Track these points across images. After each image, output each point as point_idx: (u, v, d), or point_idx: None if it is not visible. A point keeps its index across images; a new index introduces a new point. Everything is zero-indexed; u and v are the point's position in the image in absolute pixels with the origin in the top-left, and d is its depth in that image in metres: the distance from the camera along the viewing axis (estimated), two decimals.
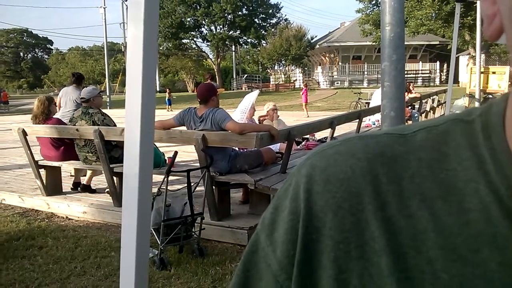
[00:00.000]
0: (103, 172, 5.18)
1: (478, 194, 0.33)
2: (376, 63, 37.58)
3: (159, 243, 3.72)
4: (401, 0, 2.18)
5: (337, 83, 39.69)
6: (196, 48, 49.33)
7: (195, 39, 47.51)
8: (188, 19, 44.15)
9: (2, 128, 15.40)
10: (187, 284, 3.43)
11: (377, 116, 9.18)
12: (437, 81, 38.04)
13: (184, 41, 47.05)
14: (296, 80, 44.14)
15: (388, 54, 2.24)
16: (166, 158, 5.26)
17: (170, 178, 4.03)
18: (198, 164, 4.45)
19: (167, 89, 26.75)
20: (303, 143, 6.63)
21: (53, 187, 5.78)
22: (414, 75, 36.93)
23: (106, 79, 31.15)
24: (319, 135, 7.03)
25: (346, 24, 45.91)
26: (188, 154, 6.88)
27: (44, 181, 5.68)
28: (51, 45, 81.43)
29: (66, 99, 6.89)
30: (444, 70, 37.71)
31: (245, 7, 43.53)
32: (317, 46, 42.29)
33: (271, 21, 45.92)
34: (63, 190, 5.88)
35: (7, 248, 4.27)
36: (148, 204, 1.48)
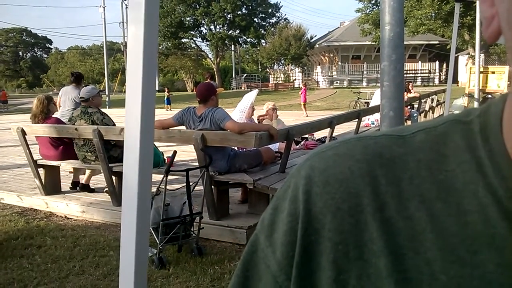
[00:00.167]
0: (102, 171, 5.18)
1: (476, 195, 0.34)
2: (375, 63, 37.60)
3: (158, 242, 3.72)
4: (401, 0, 2.18)
5: (336, 82, 39.70)
6: (195, 48, 49.33)
7: (194, 38, 47.54)
8: (188, 18, 44.16)
9: (1, 127, 15.39)
10: (185, 283, 3.43)
11: (376, 115, 9.19)
12: (436, 81, 38.05)
13: (183, 40, 47.05)
14: (295, 79, 44.15)
15: (388, 53, 2.24)
16: (165, 157, 5.26)
17: (169, 177, 4.03)
18: (197, 164, 4.45)
19: (166, 88, 26.74)
20: (302, 142, 6.63)
21: (51, 186, 5.77)
22: (413, 75, 36.95)
23: (105, 79, 31.13)
24: (318, 134, 7.02)
25: (345, 23, 45.91)
26: (187, 153, 6.88)
27: (43, 181, 5.68)
28: (50, 44, 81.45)
29: (65, 98, 6.89)
30: (443, 70, 37.75)
31: (245, 6, 43.52)
32: (317, 45, 42.30)
33: (270, 20, 45.94)
34: (62, 190, 5.88)
35: (6, 247, 4.26)
36: (147, 203, 1.48)
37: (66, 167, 5.93)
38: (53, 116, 5.79)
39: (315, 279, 0.36)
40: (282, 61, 44.72)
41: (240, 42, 46.84)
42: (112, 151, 5.15)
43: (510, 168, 0.33)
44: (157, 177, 4.29)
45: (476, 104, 10.29)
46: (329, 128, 5.64)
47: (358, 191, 0.36)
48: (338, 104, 24.07)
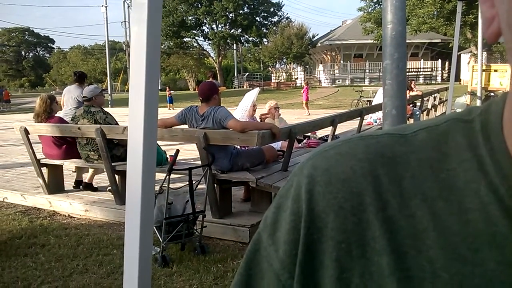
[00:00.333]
0: (104, 170, 5.20)
1: (478, 194, 0.34)
2: (377, 61, 37.52)
3: (161, 240, 3.73)
4: None
5: (339, 81, 39.65)
6: (197, 47, 49.32)
7: (196, 37, 47.52)
8: (190, 17, 44.13)
9: (4, 126, 15.43)
10: (189, 282, 3.44)
11: (379, 114, 9.18)
12: (439, 79, 37.96)
13: (185, 39, 47.03)
14: (297, 78, 44.11)
15: (390, 52, 2.24)
16: (167, 156, 5.27)
17: (172, 176, 4.04)
18: (199, 162, 4.46)
19: (167, 87, 26.77)
20: (305, 141, 6.64)
21: (55, 185, 5.79)
22: (415, 73, 36.86)
23: (108, 78, 31.18)
24: (320, 133, 7.02)
25: (347, 22, 45.81)
26: (189, 152, 6.89)
27: (46, 180, 5.70)
28: (53, 44, 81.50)
29: (68, 98, 6.91)
30: (446, 68, 37.64)
31: (247, 5, 43.47)
32: (319, 44, 42.24)
33: (272, 19, 45.87)
34: (65, 189, 5.90)
35: (10, 246, 4.28)
36: (151, 202, 1.49)
37: (69, 166, 5.95)
38: (56, 115, 5.80)
39: (318, 277, 0.37)
40: (284, 60, 44.71)
41: (242, 41, 46.80)
42: (115, 150, 5.16)
43: (510, 165, 0.33)
44: (160, 176, 4.31)
45: (478, 102, 10.27)
46: (331, 127, 5.64)
47: (360, 190, 0.36)
48: (340, 102, 24.04)
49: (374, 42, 34.03)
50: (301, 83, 37.78)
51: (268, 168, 4.71)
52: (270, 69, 50.89)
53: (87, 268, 3.76)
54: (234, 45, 48.04)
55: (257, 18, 44.83)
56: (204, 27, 46.55)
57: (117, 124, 5.37)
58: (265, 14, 45.34)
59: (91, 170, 5.75)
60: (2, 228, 4.87)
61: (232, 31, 44.60)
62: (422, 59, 39.35)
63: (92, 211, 5.25)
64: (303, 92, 19.19)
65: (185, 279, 3.49)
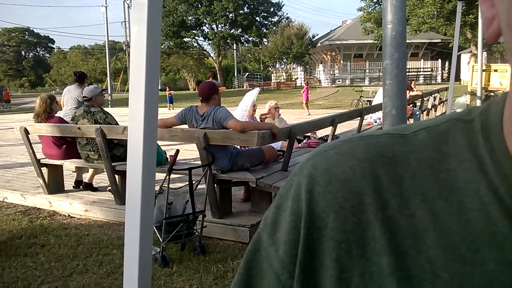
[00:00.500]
0: (104, 170, 5.20)
1: (478, 194, 0.34)
2: (377, 61, 37.53)
3: (161, 240, 3.73)
4: None
5: (339, 81, 39.65)
6: (197, 47, 49.33)
7: (196, 37, 47.53)
8: (190, 17, 44.14)
9: (4, 126, 15.43)
10: (189, 282, 3.44)
11: (379, 114, 9.19)
12: (439, 79, 37.96)
13: (185, 39, 47.04)
14: (297, 78, 44.12)
15: (390, 52, 2.24)
16: (167, 156, 5.27)
17: (172, 176, 4.04)
18: (199, 162, 4.46)
19: (167, 87, 26.78)
20: (305, 141, 6.64)
21: (55, 185, 5.79)
22: (415, 73, 36.87)
23: (108, 78, 31.19)
24: (320, 133, 7.02)
25: (347, 22, 45.82)
26: (189, 152, 6.89)
27: (46, 180, 5.70)
28: (53, 44, 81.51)
29: (68, 98, 6.91)
30: (446, 68, 37.65)
31: (247, 5, 43.49)
32: (319, 44, 42.25)
33: (272, 19, 45.88)
34: (65, 189, 5.90)
35: (10, 246, 4.28)
36: (151, 202, 1.49)
37: (69, 166, 5.95)
38: (56, 115, 5.81)
39: (318, 277, 0.37)
40: (284, 60, 44.71)
41: (242, 41, 46.80)
42: (115, 150, 5.16)
43: (510, 165, 0.33)
44: (160, 176, 4.31)
45: (478, 102, 10.27)
46: (331, 127, 5.64)
47: (360, 191, 0.36)
48: (340, 102, 24.05)
49: (374, 42, 34.04)
50: (301, 83, 37.78)
51: (268, 168, 4.71)
52: (270, 69, 50.90)
53: (87, 268, 3.76)
54: (234, 45, 48.05)
55: (257, 18, 44.85)
56: (204, 27, 46.59)
57: (117, 124, 5.37)
58: (265, 14, 45.35)
59: (91, 170, 5.75)
60: (2, 228, 4.87)
61: (232, 31, 44.61)
62: (422, 59, 39.35)
63: (92, 211, 5.25)
64: (303, 92, 19.19)
65: (185, 279, 3.49)
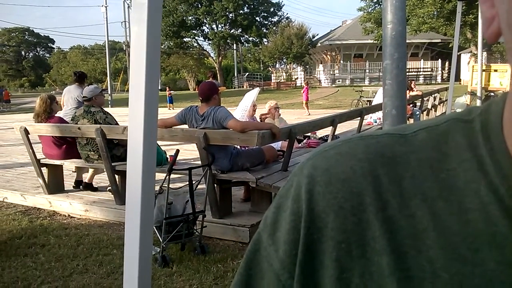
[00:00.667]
0: (104, 170, 5.20)
1: (478, 194, 0.34)
2: (377, 61, 37.53)
3: (161, 240, 3.73)
4: None
5: (339, 81, 39.65)
6: (197, 47, 49.33)
7: (196, 37, 47.52)
8: (190, 17, 44.13)
9: (4, 126, 15.43)
10: (188, 282, 3.44)
11: (379, 114, 9.19)
12: (439, 79, 37.97)
13: (185, 39, 47.04)
14: (297, 78, 44.12)
15: (390, 52, 2.24)
16: (167, 156, 5.27)
17: (172, 176, 4.04)
18: (199, 163, 4.46)
19: (167, 87, 26.79)
20: (305, 141, 6.64)
21: (55, 185, 5.80)
22: (415, 73, 36.87)
23: (108, 78, 31.19)
24: (320, 133, 7.02)
25: (347, 22, 45.82)
26: (189, 152, 6.89)
27: (46, 180, 5.70)
28: (53, 44, 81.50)
29: (68, 98, 6.92)
30: (446, 68, 37.64)
31: (247, 5, 43.48)
32: (319, 44, 42.24)
33: (272, 19, 45.88)
34: (65, 189, 5.90)
35: (10, 246, 4.28)
36: (151, 202, 1.49)
37: (69, 166, 5.95)
38: (56, 115, 5.81)
39: (318, 277, 0.37)
40: (284, 60, 44.70)
41: (242, 41, 46.80)
42: (115, 150, 5.16)
43: (510, 166, 0.33)
44: (160, 176, 4.31)
45: (478, 102, 10.27)
46: (331, 127, 5.64)
47: (360, 191, 0.36)
48: (340, 102, 24.04)
49: (374, 42, 34.04)
50: (301, 83, 37.78)
51: (268, 168, 4.71)
52: (270, 69, 50.90)
53: (87, 268, 3.76)
54: (234, 45, 48.05)
55: (257, 18, 44.84)
56: (204, 27, 46.58)
57: (117, 124, 5.37)
58: (265, 14, 45.35)
59: (91, 170, 5.75)
60: (2, 228, 4.87)
61: (232, 31, 44.61)
62: (422, 59, 39.35)
63: (92, 211, 5.25)
64: (303, 92, 19.19)
65: (185, 279, 3.49)
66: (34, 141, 5.74)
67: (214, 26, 45.11)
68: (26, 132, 5.57)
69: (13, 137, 10.14)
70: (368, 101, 16.94)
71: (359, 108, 11.67)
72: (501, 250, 0.32)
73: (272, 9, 45.35)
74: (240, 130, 4.11)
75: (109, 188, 5.40)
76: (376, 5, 33.34)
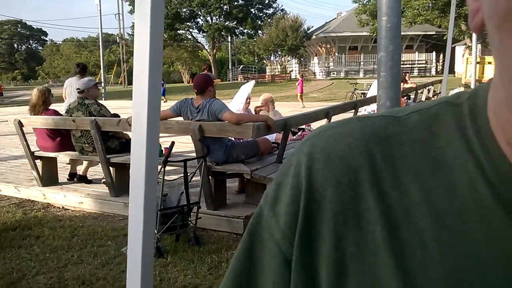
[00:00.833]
0: (99, 162, 5.19)
1: (466, 170, 0.36)
2: (372, 54, 37.55)
3: (155, 232, 3.74)
4: None
5: (333, 73, 39.65)
6: (191, 39, 49.13)
7: (190, 30, 47.34)
8: (184, 9, 43.92)
9: None
10: (183, 272, 3.46)
11: (373, 106, 9.21)
12: (433, 72, 38.03)
13: (179, 32, 46.83)
14: (292, 70, 44.04)
15: (385, 44, 2.25)
16: (162, 148, 5.26)
17: (167, 168, 4.04)
18: (194, 155, 4.46)
19: (162, 80, 26.72)
20: (299, 133, 6.66)
21: (49, 177, 5.78)
22: (410, 66, 36.92)
23: (101, 70, 30.99)
24: (315, 125, 7.03)
25: (342, 14, 45.74)
26: (184, 145, 6.89)
27: (40, 172, 5.69)
28: (46, 37, 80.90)
29: (70, 90, 6.92)
30: (440, 61, 37.71)
31: None
32: (314, 36, 42.18)
33: (267, 11, 45.78)
34: (59, 181, 5.89)
35: (4, 238, 4.28)
36: (153, 192, 1.51)
37: (63, 158, 5.94)
38: (51, 108, 5.79)
39: (316, 246, 0.39)
40: (279, 52, 44.60)
41: (237, 33, 46.68)
42: (109, 142, 5.16)
43: (495, 145, 0.36)
44: None
45: None
46: (325, 119, 5.66)
47: (356, 167, 0.39)
48: (334, 95, 24.06)
49: (369, 34, 34.04)
50: (295, 75, 37.72)
51: (262, 160, 4.73)
52: (264, 61, 50.78)
53: (82, 259, 3.77)
54: (229, 37, 47.89)
55: (252, 10, 44.71)
56: (198, 19, 46.40)
57: (111, 116, 5.36)
58: (260, 6, 45.21)
59: (85, 163, 5.74)
60: None
61: (226, 23, 44.45)
62: (416, 52, 39.39)
63: (87, 203, 5.25)
64: (298, 84, 19.20)
65: (179, 270, 3.51)
66: (28, 134, 5.72)
67: (208, 18, 44.93)
68: (20, 124, 5.54)
69: (7, 129, 10.08)
70: (362, 93, 16.95)
71: (354, 101, 11.71)
72: (486, 221, 0.34)
73: (267, 1, 45.23)
74: (235, 122, 4.11)
75: (104, 180, 5.41)
76: None
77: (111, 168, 5.12)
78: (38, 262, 3.72)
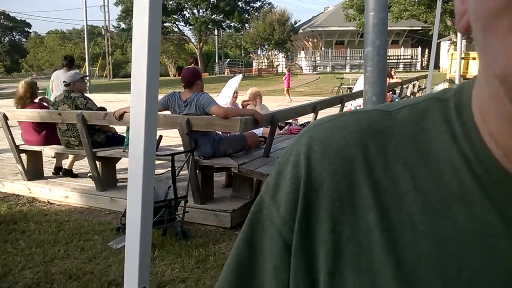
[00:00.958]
0: (85, 156, 5.16)
1: (451, 160, 0.40)
2: (358, 48, 37.71)
3: None
4: None
5: (320, 68, 39.74)
6: (178, 32, 48.78)
7: (177, 22, 46.96)
8: (170, 2, 43.54)
9: None
10: (171, 266, 3.47)
11: (359, 101, 9.27)
12: (418, 67, 38.35)
13: (166, 24, 46.43)
14: (279, 65, 44.03)
15: (372, 39, 2.27)
16: None
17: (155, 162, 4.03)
18: (181, 149, 4.46)
19: None
20: (286, 127, 6.68)
21: (34, 171, 5.73)
22: (396, 61, 37.17)
23: (86, 63, 30.63)
24: (301, 119, 7.07)
25: (329, 8, 45.79)
26: (171, 139, 6.87)
27: (25, 166, 5.63)
28: (29, 28, 79.61)
29: (58, 83, 6.84)
30: (426, 56, 38.02)
31: None
32: (301, 30, 42.19)
33: (254, 5, 45.56)
34: (45, 175, 5.84)
35: None
36: (151, 185, 1.54)
37: (48, 152, 5.89)
38: (37, 101, 5.73)
39: (315, 231, 0.42)
40: (266, 46, 44.54)
41: (224, 26, 46.44)
42: (95, 136, 5.12)
43: (478, 137, 0.39)
44: None
45: None
46: (312, 113, 5.68)
47: (351, 158, 0.42)
48: (321, 89, 24.13)
49: (356, 29, 34.13)
50: (282, 69, 37.72)
51: (250, 154, 4.74)
52: (251, 55, 50.69)
53: (69, 254, 3.76)
54: (216, 30, 47.63)
55: (239, 4, 44.46)
56: (185, 12, 46.02)
57: (98, 109, 5.32)
58: (247, 0, 44.99)
59: (71, 156, 5.70)
60: None
61: (213, 16, 44.18)
62: (402, 47, 39.65)
63: (72, 197, 5.22)
64: (285, 79, 19.21)
65: (167, 263, 3.51)
66: (14, 127, 5.65)
67: (195, 11, 44.62)
68: (5, 118, 5.48)
69: None
70: (348, 88, 17.04)
71: (340, 95, 11.76)
72: (470, 206, 0.38)
73: None
74: (223, 116, 4.12)
75: (90, 174, 5.37)
76: None
77: (97, 162, 5.09)
78: (24, 256, 3.69)
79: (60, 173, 5.81)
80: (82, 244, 3.95)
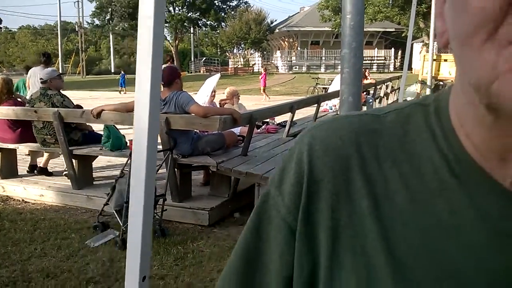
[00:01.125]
0: (60, 154, 5.11)
1: (432, 159, 0.46)
2: (333, 49, 38.09)
3: (121, 224, 3.75)
4: None
5: (296, 67, 40.00)
6: None
7: None
8: None
9: None
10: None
11: (334, 101, 9.41)
12: (391, 68, 38.97)
13: None
14: (255, 64, 44.13)
15: (348, 41, 2.33)
16: (127, 140, 5.23)
17: None
18: (160, 147, 4.47)
19: (122, 71, 26.21)
20: (263, 126, 6.74)
21: (8, 170, 5.64)
22: (369, 62, 37.71)
23: (59, 60, 30.17)
24: (278, 119, 7.14)
25: (305, 9, 46.11)
26: None
27: None
28: (0, 24, 77.52)
29: (35, 80, 6.74)
30: (399, 57, 38.66)
31: None
32: (277, 30, 42.39)
33: (231, 3, 45.53)
34: (19, 173, 5.76)
35: None
36: (153, 179, 1.63)
37: (23, 150, 5.80)
38: (12, 98, 5.64)
39: (316, 218, 0.48)
40: (242, 45, 44.59)
41: (200, 24, 46.23)
42: (72, 134, 5.08)
43: (455, 138, 0.45)
44: (121, 160, 4.30)
45: (428, 91, 10.69)
46: (290, 113, 5.76)
47: (347, 156, 0.48)
48: (297, 89, 24.30)
49: (331, 29, 34.45)
50: (258, 69, 37.83)
51: (228, 153, 4.78)
52: (227, 54, 50.64)
53: (46, 252, 3.73)
54: (192, 28, 47.39)
55: (216, 2, 44.31)
56: None
57: (74, 107, 5.28)
58: None
59: (46, 154, 5.63)
60: None
61: (189, 14, 43.92)
62: (376, 48, 40.23)
63: (48, 196, 5.16)
64: (261, 78, 19.30)
65: None
66: None
67: (171, 8, 44.25)
68: None
69: None
70: (324, 88, 17.20)
71: (317, 95, 11.89)
72: (451, 202, 0.44)
73: None
74: (203, 115, 4.15)
75: (65, 173, 5.32)
76: None
77: (74, 160, 5.05)
78: (0, 255, 3.65)
79: (35, 171, 5.74)
80: (59, 243, 3.92)
